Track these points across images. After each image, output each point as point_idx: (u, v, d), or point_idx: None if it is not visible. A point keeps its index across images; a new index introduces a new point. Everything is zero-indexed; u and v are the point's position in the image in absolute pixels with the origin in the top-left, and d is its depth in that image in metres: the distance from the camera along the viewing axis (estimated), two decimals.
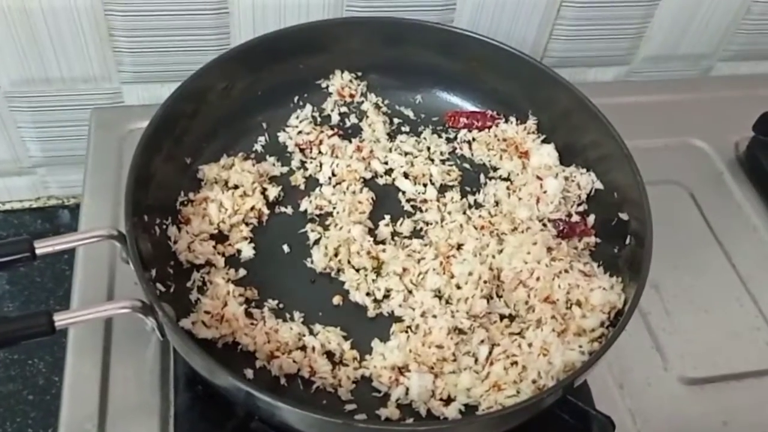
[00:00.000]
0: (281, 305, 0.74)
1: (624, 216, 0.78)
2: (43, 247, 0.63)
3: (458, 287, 0.75)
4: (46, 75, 0.97)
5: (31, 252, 0.62)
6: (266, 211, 0.80)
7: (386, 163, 0.86)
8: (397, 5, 0.96)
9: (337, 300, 0.75)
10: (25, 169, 1.08)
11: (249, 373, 0.68)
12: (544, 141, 0.87)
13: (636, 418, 0.79)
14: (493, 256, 0.77)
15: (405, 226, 0.81)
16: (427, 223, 0.81)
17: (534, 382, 0.68)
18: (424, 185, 0.85)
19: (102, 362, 0.75)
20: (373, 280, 0.76)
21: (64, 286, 1.01)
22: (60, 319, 0.59)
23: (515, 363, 0.70)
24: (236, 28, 0.95)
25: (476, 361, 0.71)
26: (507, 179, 0.86)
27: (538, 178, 0.82)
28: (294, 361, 0.69)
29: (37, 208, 1.12)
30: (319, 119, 0.89)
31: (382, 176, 0.85)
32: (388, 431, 0.60)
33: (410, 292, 0.75)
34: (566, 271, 0.75)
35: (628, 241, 0.76)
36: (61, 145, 1.06)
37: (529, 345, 0.71)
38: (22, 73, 0.96)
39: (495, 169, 0.87)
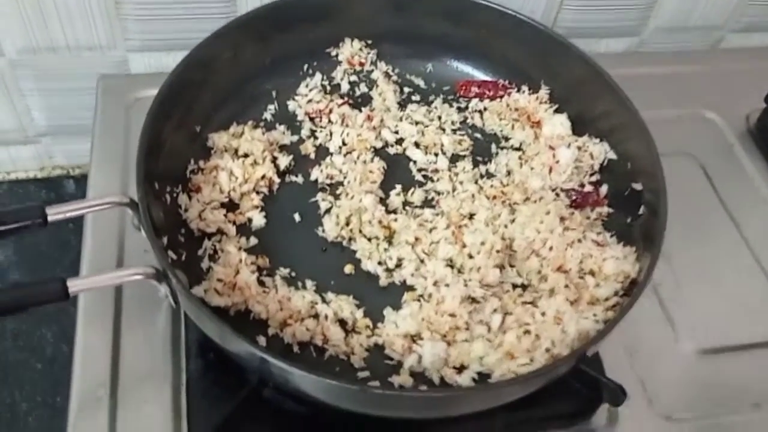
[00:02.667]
0: (293, 274, 0.74)
1: (637, 186, 0.77)
2: (55, 214, 0.63)
3: (470, 257, 0.74)
4: (52, 43, 0.96)
5: (43, 218, 0.62)
6: (277, 179, 0.80)
7: (397, 132, 0.85)
8: None
9: (348, 269, 0.75)
10: (30, 138, 1.07)
11: (261, 340, 0.68)
12: (556, 111, 0.86)
13: (647, 388, 0.78)
14: (506, 226, 0.77)
15: (416, 195, 0.80)
16: (438, 193, 0.81)
17: (547, 350, 0.68)
18: (436, 155, 0.84)
19: (113, 330, 0.75)
20: (385, 250, 0.75)
21: (70, 255, 1.00)
22: (74, 285, 0.58)
23: (528, 332, 0.70)
24: None
25: (489, 329, 0.70)
26: (519, 149, 0.85)
27: (551, 147, 0.82)
28: (307, 329, 0.69)
29: (42, 178, 1.11)
30: (328, 88, 0.88)
31: (392, 146, 0.85)
32: (403, 397, 0.60)
33: (422, 261, 0.75)
34: (579, 240, 0.75)
35: (641, 212, 0.76)
36: (66, 113, 1.05)
37: (543, 314, 0.70)
38: (28, 41, 0.95)
39: (507, 139, 0.87)
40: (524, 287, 0.74)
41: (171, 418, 0.70)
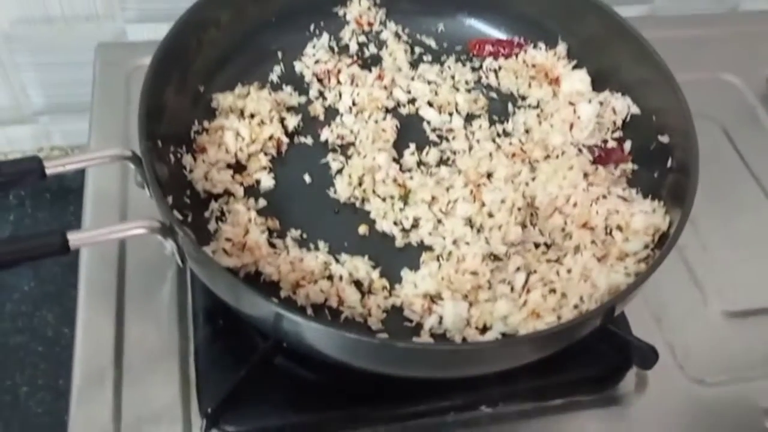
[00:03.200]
0: (304, 235, 0.70)
1: (664, 139, 0.74)
2: (54, 167, 0.59)
3: (490, 215, 0.71)
4: (47, 13, 0.93)
5: (41, 171, 0.58)
6: (285, 140, 0.76)
7: (409, 92, 0.82)
8: None
9: (363, 230, 0.71)
10: (27, 117, 1.04)
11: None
12: (575, 67, 0.82)
13: (676, 352, 0.75)
14: (527, 184, 0.73)
15: (431, 155, 0.77)
16: (454, 152, 0.77)
17: (576, 307, 0.64)
18: (450, 114, 0.80)
19: (116, 302, 0.71)
20: (401, 209, 0.72)
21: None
22: (74, 238, 0.54)
23: (554, 290, 0.66)
24: None
25: (512, 289, 0.67)
26: (537, 107, 0.81)
27: (571, 104, 0.78)
28: (321, 290, 0.65)
29: None
30: (336, 48, 0.85)
31: (404, 106, 0.81)
32: (426, 351, 0.56)
33: (440, 221, 0.71)
34: (604, 197, 0.71)
35: (669, 165, 0.72)
36: (63, 90, 1.02)
37: (568, 271, 0.67)
38: (22, 12, 0.92)
39: (524, 98, 0.83)
40: (548, 246, 0.71)
41: (179, 389, 0.67)
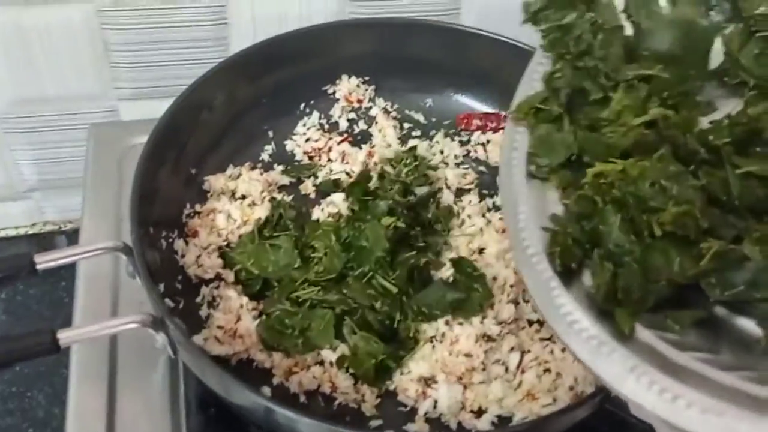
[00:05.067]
0: None
1: None
2: (45, 262, 0.59)
3: None
4: (42, 94, 0.94)
5: (32, 267, 0.58)
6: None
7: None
8: (401, 9, 0.94)
9: None
10: (20, 194, 1.05)
11: (266, 390, 0.64)
12: None
13: None
14: None
15: None
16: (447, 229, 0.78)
17: (571, 388, 0.64)
18: (440, 189, 0.81)
19: (108, 387, 0.70)
20: None
21: (62, 314, 0.97)
22: (64, 337, 0.54)
23: (548, 370, 0.66)
24: (236, 39, 0.92)
25: (507, 369, 0.67)
26: None
27: None
28: (314, 377, 0.65)
29: (33, 234, 1.09)
30: (326, 126, 0.86)
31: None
32: None
33: None
34: None
35: None
36: (56, 167, 1.02)
37: (562, 350, 0.67)
38: (17, 93, 0.93)
39: None
40: (541, 323, 0.70)
41: None
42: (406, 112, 0.88)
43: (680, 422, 0.43)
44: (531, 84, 0.60)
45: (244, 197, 0.77)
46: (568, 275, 0.50)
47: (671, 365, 0.45)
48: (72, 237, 1.08)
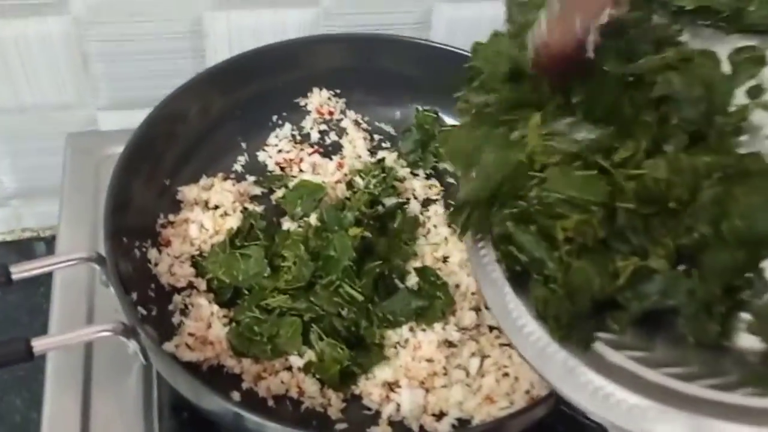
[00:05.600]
0: None
1: None
2: (20, 272, 0.61)
3: None
4: (19, 102, 0.96)
5: (7, 277, 0.60)
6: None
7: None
8: (374, 23, 0.96)
9: None
10: None
11: (235, 395, 0.66)
12: None
13: None
14: None
15: None
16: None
17: (527, 392, 0.67)
18: (407, 199, 0.84)
19: (83, 393, 0.72)
20: None
21: (40, 320, 0.98)
22: (39, 345, 0.56)
23: (507, 374, 0.69)
24: (212, 51, 0.95)
25: (467, 374, 0.69)
26: None
27: None
28: (282, 382, 0.67)
29: (11, 241, 1.09)
30: (298, 137, 0.89)
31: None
32: None
33: None
34: None
35: None
36: (35, 175, 1.04)
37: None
38: None
39: None
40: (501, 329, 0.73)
41: None
42: (377, 124, 0.91)
43: (614, 420, 0.46)
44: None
45: (216, 207, 0.79)
46: (518, 280, 0.54)
47: (607, 365, 0.49)
48: (50, 243, 1.09)
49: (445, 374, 0.69)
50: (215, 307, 0.71)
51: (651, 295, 0.49)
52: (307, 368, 0.68)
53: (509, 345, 0.71)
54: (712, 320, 0.48)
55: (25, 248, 1.09)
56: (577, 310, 0.49)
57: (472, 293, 0.74)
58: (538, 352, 0.51)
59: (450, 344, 0.70)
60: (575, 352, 0.50)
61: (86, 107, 0.98)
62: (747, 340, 0.48)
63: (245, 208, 0.80)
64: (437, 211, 0.83)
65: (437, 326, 0.71)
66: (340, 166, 0.85)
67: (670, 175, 0.48)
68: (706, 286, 0.48)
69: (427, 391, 0.68)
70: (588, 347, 0.50)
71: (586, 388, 0.48)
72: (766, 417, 0.43)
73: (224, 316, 0.71)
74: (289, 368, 0.69)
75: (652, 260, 0.48)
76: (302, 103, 0.90)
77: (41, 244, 1.11)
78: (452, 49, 0.87)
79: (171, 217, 0.78)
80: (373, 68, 0.89)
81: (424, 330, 0.71)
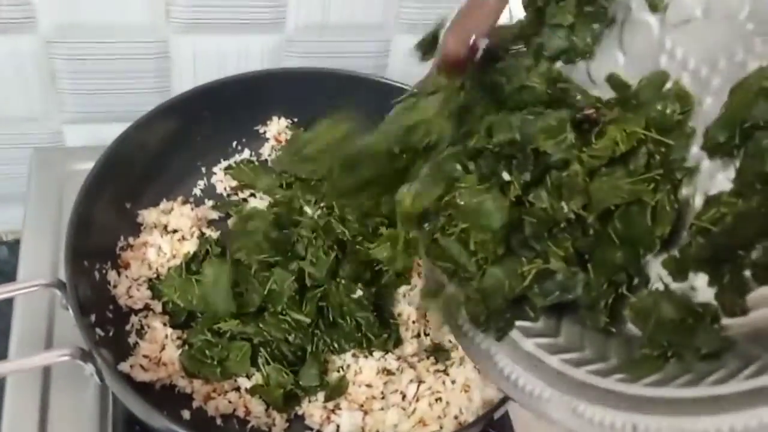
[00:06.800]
0: None
1: None
2: None
3: None
4: None
5: None
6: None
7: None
8: (334, 51, 1.01)
9: None
10: None
11: (186, 414, 0.71)
12: None
13: None
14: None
15: None
16: None
17: (456, 417, 0.73)
18: None
19: (40, 407, 0.75)
20: None
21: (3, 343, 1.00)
22: None
23: (439, 399, 0.74)
24: (177, 73, 0.98)
25: (404, 397, 0.75)
26: None
27: None
28: (229, 402, 0.72)
29: None
30: (256, 163, 0.93)
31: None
32: None
33: None
34: None
35: None
36: (0, 183, 1.06)
37: (453, 382, 0.75)
38: None
39: None
40: (436, 356, 0.78)
41: None
42: None
43: (525, 406, 0.53)
44: None
45: (175, 231, 0.83)
46: None
47: (520, 352, 0.56)
48: (13, 247, 1.11)
49: (383, 398, 0.74)
50: (169, 330, 0.75)
51: (553, 291, 0.55)
52: (253, 391, 0.73)
53: (444, 372, 0.77)
54: (603, 310, 0.55)
55: None
56: (492, 309, 0.56)
57: (413, 322, 0.79)
58: (475, 346, 0.58)
59: (388, 372, 0.75)
60: (495, 341, 0.57)
61: (53, 120, 1.01)
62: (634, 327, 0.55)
63: (202, 233, 0.84)
64: None
65: (377, 354, 0.76)
66: None
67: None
68: (597, 280, 0.54)
69: (366, 413, 0.73)
70: (502, 337, 0.57)
71: (502, 375, 0.55)
72: (631, 402, 0.49)
73: (178, 338, 0.75)
74: (238, 389, 0.74)
75: (552, 264, 0.54)
76: (261, 131, 0.94)
77: (4, 248, 1.13)
78: (407, 87, 0.91)
79: (131, 240, 0.82)
80: (330, 102, 0.92)
81: (366, 357, 0.76)
